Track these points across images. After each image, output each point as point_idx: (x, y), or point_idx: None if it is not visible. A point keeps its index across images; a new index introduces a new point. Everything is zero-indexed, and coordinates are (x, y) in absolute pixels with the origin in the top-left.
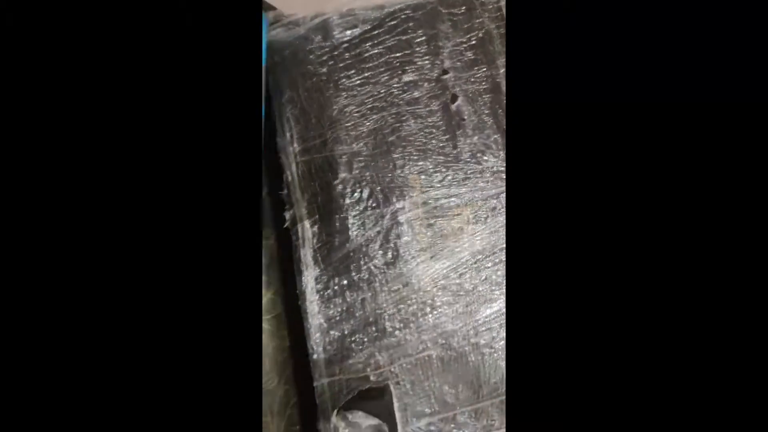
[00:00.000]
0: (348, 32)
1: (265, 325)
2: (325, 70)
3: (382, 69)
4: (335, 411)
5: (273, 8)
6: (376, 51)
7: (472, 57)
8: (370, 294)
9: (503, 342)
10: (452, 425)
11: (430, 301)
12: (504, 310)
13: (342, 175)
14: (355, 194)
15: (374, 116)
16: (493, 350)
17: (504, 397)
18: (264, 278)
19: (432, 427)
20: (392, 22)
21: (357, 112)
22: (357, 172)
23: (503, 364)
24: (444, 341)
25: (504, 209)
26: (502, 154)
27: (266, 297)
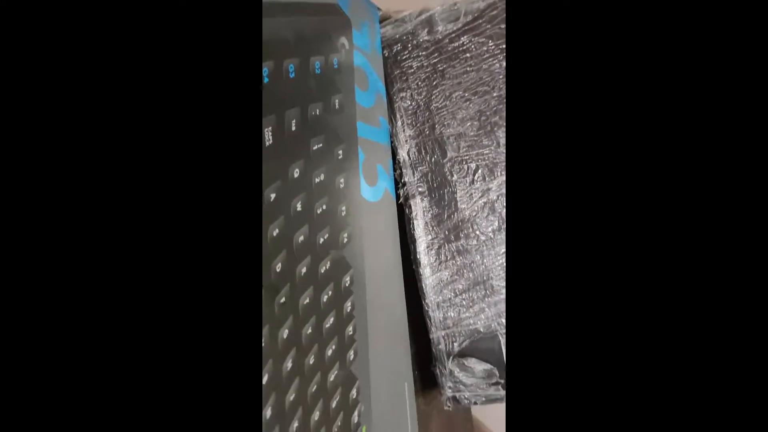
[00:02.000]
0: (450, 25)
1: None
2: (431, 61)
3: (484, 56)
4: (450, 358)
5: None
6: (478, 40)
7: None
8: (478, 257)
9: None
10: None
11: None
12: None
13: (450, 154)
14: (462, 171)
15: (478, 100)
16: None
17: None
18: None
19: None
20: (492, 12)
21: (462, 97)
22: (464, 151)
23: None
24: None
25: None
26: None
27: None
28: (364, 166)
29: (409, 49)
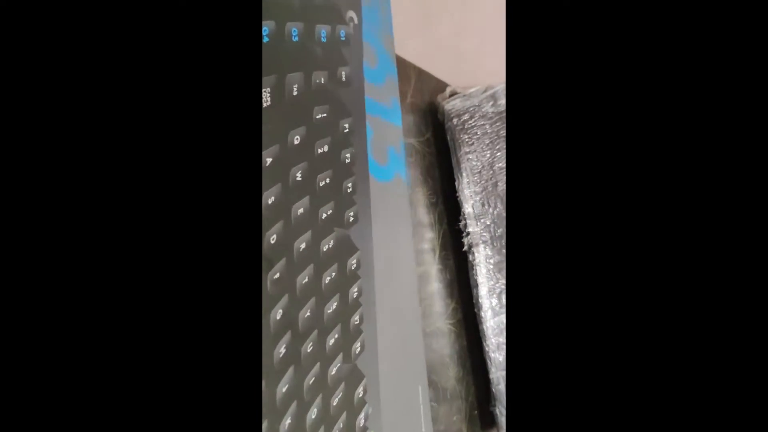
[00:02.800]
0: None
1: (451, 328)
2: (494, 128)
3: None
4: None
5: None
6: None
7: None
8: None
9: None
10: None
11: None
12: None
13: None
14: None
15: None
16: None
17: None
18: (448, 291)
19: None
20: None
21: None
22: None
23: None
24: None
25: None
26: None
27: (450, 306)
28: (373, 143)
29: (476, 118)
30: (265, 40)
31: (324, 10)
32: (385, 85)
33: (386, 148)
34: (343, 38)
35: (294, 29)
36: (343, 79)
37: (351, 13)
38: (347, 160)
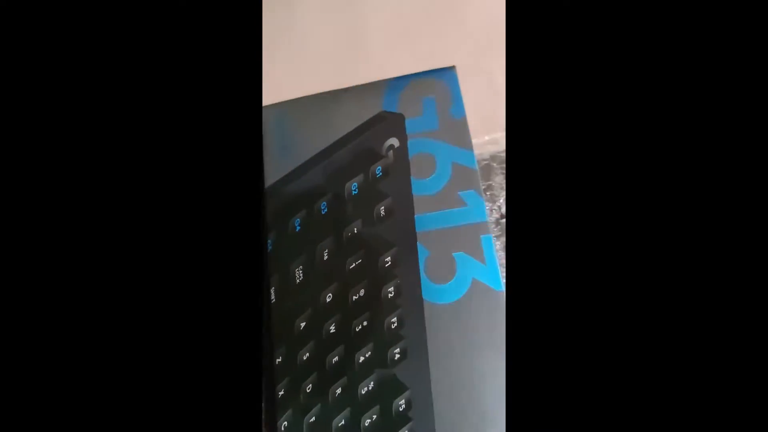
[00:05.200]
0: None
1: None
2: None
3: None
4: None
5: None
6: None
7: None
8: None
9: None
10: None
11: None
12: None
13: None
14: None
15: None
16: None
17: None
18: None
19: None
20: None
21: None
22: None
23: None
24: None
25: None
26: None
27: None
28: (429, 263)
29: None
30: (297, 229)
31: (356, 161)
32: (449, 184)
33: (451, 257)
34: (380, 174)
35: (323, 203)
36: (382, 214)
37: (392, 141)
38: (389, 296)
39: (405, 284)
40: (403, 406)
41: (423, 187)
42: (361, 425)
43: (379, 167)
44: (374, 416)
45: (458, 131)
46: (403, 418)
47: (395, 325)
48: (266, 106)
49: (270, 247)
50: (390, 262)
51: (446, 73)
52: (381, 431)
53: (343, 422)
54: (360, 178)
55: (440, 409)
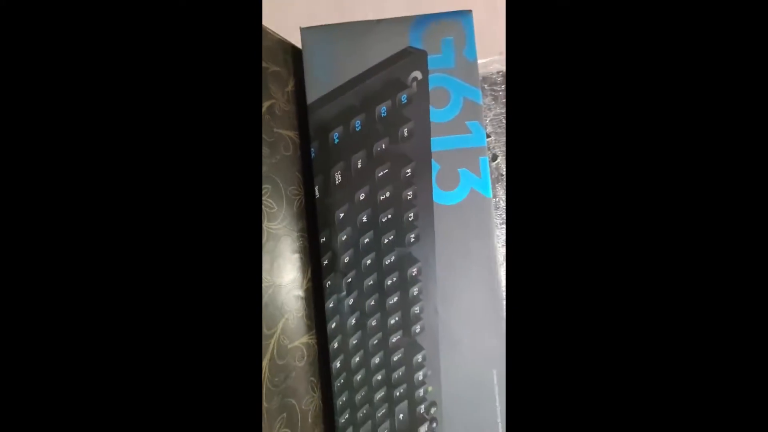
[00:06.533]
0: None
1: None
2: None
3: None
4: None
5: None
6: None
7: None
8: None
9: None
10: None
11: None
12: None
13: None
14: None
15: None
16: None
17: None
18: None
19: None
20: None
21: None
22: None
23: None
24: None
25: None
26: None
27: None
28: (439, 175)
29: None
30: (336, 141)
31: (385, 88)
32: (459, 114)
33: (456, 172)
34: (405, 101)
35: (357, 122)
36: (405, 135)
37: (416, 74)
38: (408, 197)
39: (420, 190)
40: (415, 272)
41: (438, 115)
42: (384, 285)
43: (405, 95)
44: (394, 278)
45: (470, 71)
46: (414, 280)
47: (412, 218)
48: (304, 28)
49: (313, 155)
50: (410, 173)
51: (465, 17)
52: (398, 288)
53: (371, 282)
54: (388, 103)
55: (440, 276)
